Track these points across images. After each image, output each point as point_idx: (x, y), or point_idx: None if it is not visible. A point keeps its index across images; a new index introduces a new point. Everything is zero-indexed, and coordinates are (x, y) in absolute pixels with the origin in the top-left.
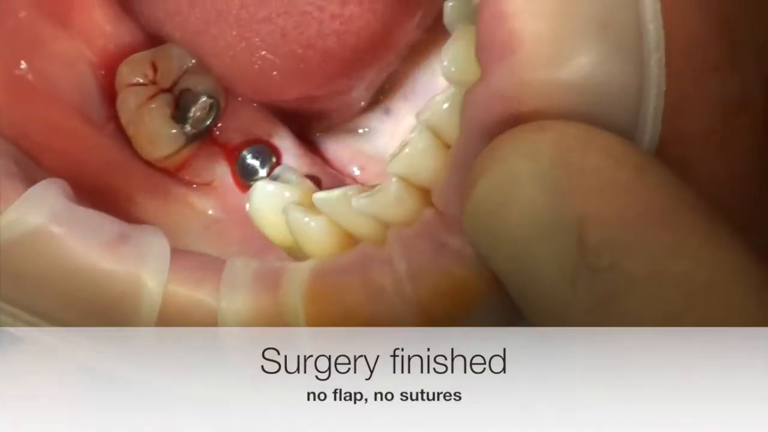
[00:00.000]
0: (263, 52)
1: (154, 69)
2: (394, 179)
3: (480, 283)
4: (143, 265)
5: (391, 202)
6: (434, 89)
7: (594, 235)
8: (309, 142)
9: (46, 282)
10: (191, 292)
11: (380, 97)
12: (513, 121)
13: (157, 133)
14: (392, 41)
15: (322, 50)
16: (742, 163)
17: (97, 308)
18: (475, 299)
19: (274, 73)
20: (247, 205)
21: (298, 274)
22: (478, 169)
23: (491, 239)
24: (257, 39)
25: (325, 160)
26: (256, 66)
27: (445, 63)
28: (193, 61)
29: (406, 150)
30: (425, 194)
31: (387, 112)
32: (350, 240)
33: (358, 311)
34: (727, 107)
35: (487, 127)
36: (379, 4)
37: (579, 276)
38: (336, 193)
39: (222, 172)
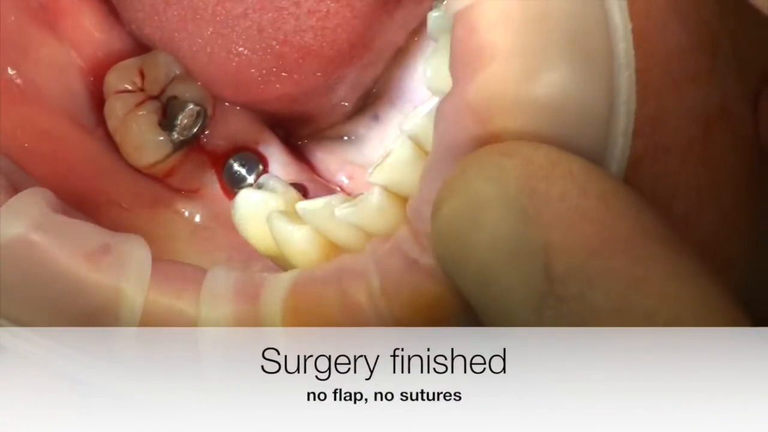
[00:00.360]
0: (240, 49)
1: (142, 76)
2: (376, 189)
3: (454, 300)
4: (124, 275)
5: (373, 211)
6: (423, 96)
7: (560, 263)
8: (297, 150)
9: (27, 291)
10: (171, 302)
11: (368, 103)
12: (483, 136)
13: (144, 140)
14: (372, 39)
15: (299, 46)
16: (724, 174)
17: (78, 318)
18: (449, 315)
19: (252, 70)
20: (233, 214)
21: (277, 286)
22: (445, 191)
23: (457, 262)
24: (234, 35)
25: (313, 169)
26: (234, 63)
27: (428, 73)
28: (180, 70)
29: (389, 160)
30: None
31: (375, 118)
32: (334, 249)
33: (334, 325)
34: (708, 119)
35: (458, 142)
36: (357, 0)
37: (545, 304)
38: (319, 202)
39: (209, 180)
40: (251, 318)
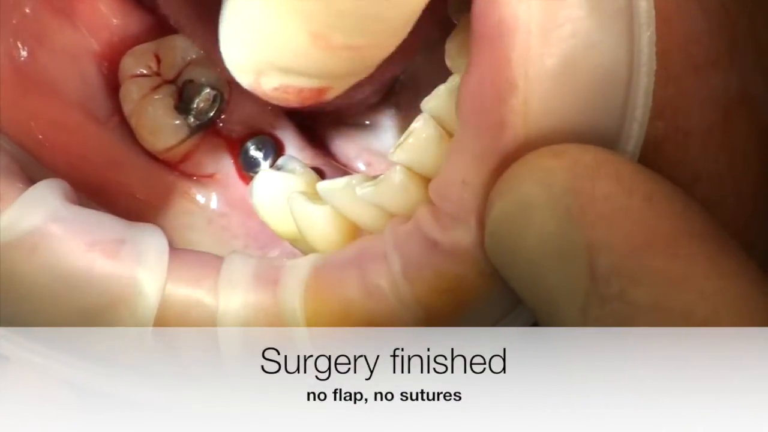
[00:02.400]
0: None
1: (158, 60)
2: (398, 168)
3: (476, 280)
4: (141, 266)
5: (395, 190)
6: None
7: (603, 262)
8: (314, 136)
9: (44, 283)
10: (190, 292)
11: (389, 92)
12: (505, 110)
13: (160, 124)
14: (417, 44)
15: None
16: (745, 161)
17: (95, 308)
18: (471, 295)
19: None
20: (251, 196)
21: (297, 270)
22: (496, 193)
23: (508, 262)
24: None
25: (331, 155)
26: None
27: (450, 53)
28: (196, 54)
29: (411, 139)
30: (429, 183)
31: (397, 106)
32: (354, 230)
33: (355, 308)
34: (728, 105)
35: (481, 118)
36: None
37: (589, 304)
38: (340, 182)
39: (225, 164)
40: (271, 304)
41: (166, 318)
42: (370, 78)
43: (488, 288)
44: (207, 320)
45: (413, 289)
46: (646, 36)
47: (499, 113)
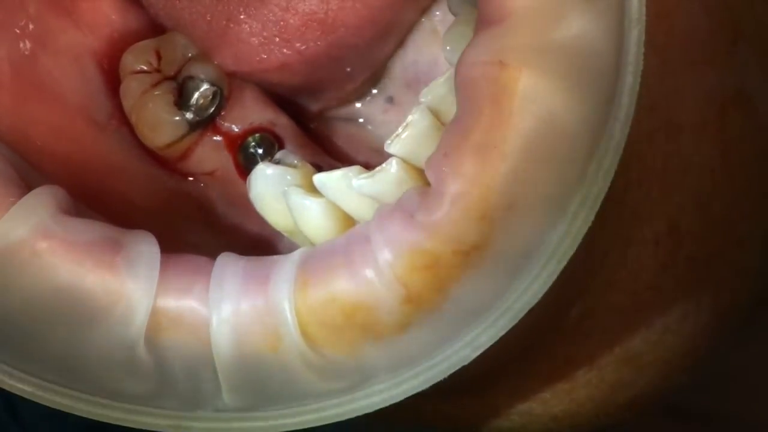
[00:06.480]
0: (241, 17)
1: (158, 57)
2: (394, 160)
3: (452, 258)
4: (132, 276)
5: (391, 182)
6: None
7: None
8: (312, 134)
9: (31, 298)
10: (181, 299)
11: (383, 85)
12: (493, 88)
13: (160, 120)
14: (381, 11)
15: (302, 13)
16: (739, 157)
17: (85, 322)
18: (451, 275)
19: (252, 39)
20: (249, 189)
21: (287, 263)
22: None
23: None
24: (234, 2)
25: (329, 153)
26: (233, 31)
27: (448, 47)
28: (196, 50)
29: (407, 131)
30: (425, 175)
31: (390, 101)
32: (350, 222)
33: (341, 293)
34: (723, 100)
35: (471, 92)
36: None
37: None
38: (336, 174)
39: (225, 161)
40: (261, 300)
41: (157, 328)
42: (342, 48)
43: (468, 270)
44: (200, 326)
45: (393, 268)
46: (635, 32)
47: (488, 90)
